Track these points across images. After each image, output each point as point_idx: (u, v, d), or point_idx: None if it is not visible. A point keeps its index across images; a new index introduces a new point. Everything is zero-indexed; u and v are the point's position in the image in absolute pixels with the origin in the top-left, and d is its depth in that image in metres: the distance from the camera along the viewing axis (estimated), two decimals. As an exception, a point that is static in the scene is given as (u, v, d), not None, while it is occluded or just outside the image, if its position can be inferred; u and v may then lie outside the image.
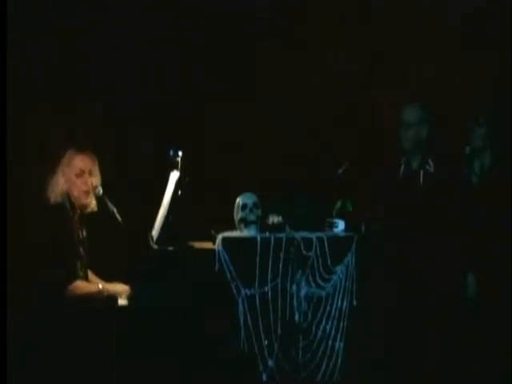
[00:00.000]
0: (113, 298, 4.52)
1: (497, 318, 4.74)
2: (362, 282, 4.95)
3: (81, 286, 4.45)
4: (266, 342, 4.76)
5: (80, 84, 5.60)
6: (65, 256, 4.39)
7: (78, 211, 4.58)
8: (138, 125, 5.73)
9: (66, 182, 4.52)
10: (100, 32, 5.65)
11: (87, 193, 4.56)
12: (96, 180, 4.59)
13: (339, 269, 4.95)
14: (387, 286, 4.84)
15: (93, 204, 4.60)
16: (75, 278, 4.42)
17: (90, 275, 4.67)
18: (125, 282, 4.62)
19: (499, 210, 4.80)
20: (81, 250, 4.55)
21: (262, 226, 4.94)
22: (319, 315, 4.90)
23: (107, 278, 4.68)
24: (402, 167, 4.95)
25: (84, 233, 4.61)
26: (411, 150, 4.88)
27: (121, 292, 4.58)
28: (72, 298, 4.37)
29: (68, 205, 4.52)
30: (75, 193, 4.54)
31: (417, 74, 5.89)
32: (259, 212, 4.98)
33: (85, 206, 4.58)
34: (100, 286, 4.51)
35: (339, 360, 4.92)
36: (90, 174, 4.58)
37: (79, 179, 4.55)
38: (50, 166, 4.58)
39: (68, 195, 4.53)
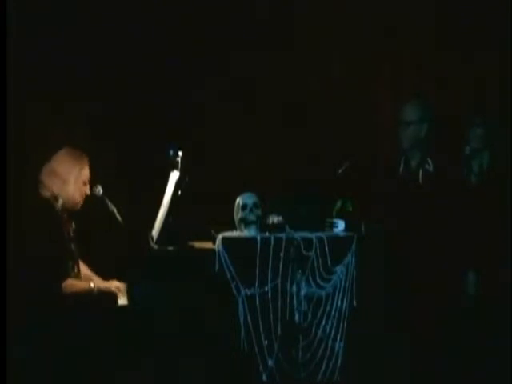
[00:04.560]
0: (112, 297, 4.52)
1: (497, 317, 4.74)
2: (362, 282, 4.95)
3: (73, 284, 4.45)
4: (266, 342, 4.76)
5: (80, 84, 5.61)
6: (55, 255, 4.40)
7: (69, 210, 4.59)
8: (138, 125, 5.73)
9: (76, 189, 4.55)
10: (100, 32, 5.65)
11: (84, 196, 4.64)
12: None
13: (339, 269, 4.95)
14: (387, 286, 4.83)
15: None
16: (66, 276, 4.42)
17: (84, 273, 4.66)
18: (119, 280, 4.62)
19: (498, 210, 4.80)
20: (72, 247, 4.56)
21: (262, 226, 4.94)
22: (319, 315, 4.90)
23: (107, 278, 4.68)
24: (402, 166, 4.94)
25: (74, 231, 4.62)
26: (410, 149, 4.88)
27: (114, 290, 4.58)
28: (66, 297, 4.38)
29: (58, 205, 4.53)
30: (78, 197, 4.57)
31: (416, 73, 5.90)
32: (259, 212, 4.98)
33: (77, 206, 4.62)
34: (92, 285, 4.51)
35: (339, 360, 4.92)
36: (89, 180, 4.67)
37: (85, 186, 4.63)
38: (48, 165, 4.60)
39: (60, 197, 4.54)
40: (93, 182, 4.68)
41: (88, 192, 4.64)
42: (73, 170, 4.57)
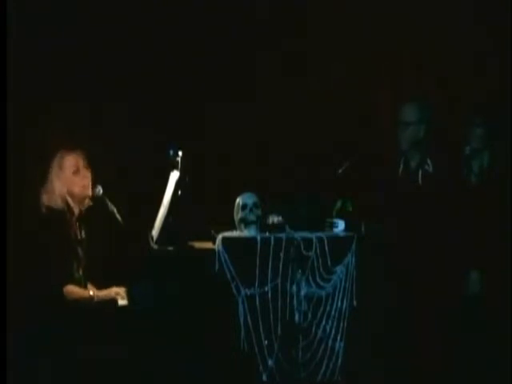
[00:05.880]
0: (112, 303, 4.52)
1: (498, 318, 4.74)
2: (362, 281, 4.95)
3: (73, 290, 4.44)
4: (266, 342, 4.76)
5: (80, 84, 5.60)
6: (60, 259, 4.40)
7: (76, 212, 4.59)
8: (138, 125, 5.73)
9: (64, 184, 4.53)
10: (99, 32, 5.65)
11: (87, 186, 4.60)
12: (90, 173, 4.63)
13: (339, 269, 4.95)
14: (387, 285, 4.84)
15: (89, 197, 4.63)
16: (68, 281, 4.42)
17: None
18: (120, 283, 4.62)
19: (498, 210, 4.80)
20: (79, 251, 4.55)
21: (262, 226, 4.94)
22: (319, 315, 4.90)
23: (107, 278, 4.68)
24: (401, 167, 4.95)
25: (82, 234, 4.61)
26: (409, 150, 4.89)
27: (114, 295, 4.58)
28: (66, 301, 4.39)
29: (66, 207, 4.53)
30: (76, 190, 4.56)
31: (416, 73, 5.90)
32: (259, 212, 4.98)
33: (85, 200, 4.61)
34: (91, 293, 4.51)
35: (339, 360, 4.92)
36: (85, 167, 4.62)
37: (77, 176, 4.57)
38: (47, 169, 4.61)
39: (66, 198, 4.53)
40: (93, 182, 4.68)
41: (85, 181, 4.60)
42: (52, 172, 4.56)
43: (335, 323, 4.92)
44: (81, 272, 4.56)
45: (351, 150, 5.65)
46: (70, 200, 4.55)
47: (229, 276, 4.72)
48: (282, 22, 6.03)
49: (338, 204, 5.13)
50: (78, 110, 5.60)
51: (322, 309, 4.91)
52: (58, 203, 4.50)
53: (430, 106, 4.95)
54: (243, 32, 5.97)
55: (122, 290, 4.60)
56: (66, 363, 4.31)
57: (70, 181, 4.55)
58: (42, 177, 4.61)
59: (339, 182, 5.15)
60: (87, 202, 4.63)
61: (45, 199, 4.51)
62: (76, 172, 4.57)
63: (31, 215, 4.62)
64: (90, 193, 4.61)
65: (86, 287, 4.57)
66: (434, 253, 4.71)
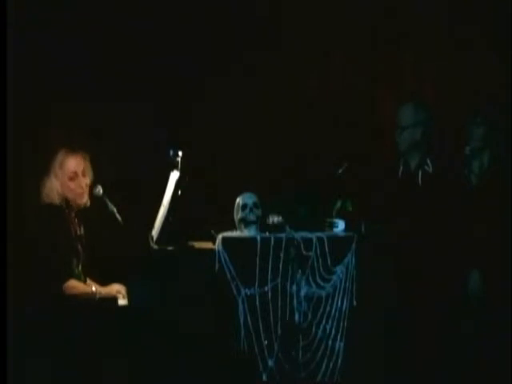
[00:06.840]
0: (113, 301, 4.52)
1: (498, 318, 4.74)
2: (361, 282, 4.95)
3: (75, 285, 4.44)
4: (266, 342, 4.77)
5: (80, 84, 5.60)
6: (60, 254, 4.40)
7: (75, 208, 4.59)
8: (139, 125, 5.73)
9: (61, 185, 4.53)
10: (99, 31, 5.65)
11: (82, 194, 4.59)
12: (89, 179, 4.62)
13: (339, 269, 4.95)
14: (387, 285, 4.84)
15: (87, 201, 4.62)
16: (70, 276, 4.42)
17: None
18: (120, 283, 4.63)
19: (498, 210, 4.79)
20: (78, 247, 4.55)
21: (262, 225, 4.94)
22: (319, 315, 4.90)
23: (107, 278, 4.68)
24: (401, 168, 4.95)
25: (81, 230, 4.62)
26: (408, 152, 4.89)
27: (115, 293, 4.58)
28: (67, 297, 4.38)
29: (64, 204, 4.53)
30: (70, 195, 4.55)
31: (416, 73, 5.90)
32: (259, 212, 4.98)
33: (80, 206, 4.61)
34: (93, 289, 4.50)
35: (339, 360, 4.92)
36: (83, 174, 4.61)
37: (73, 182, 4.56)
38: (47, 166, 4.61)
39: (64, 195, 4.53)
40: (93, 182, 4.68)
41: (79, 190, 4.59)
42: (52, 169, 4.55)
43: (335, 323, 4.92)
44: (80, 269, 4.55)
45: (351, 150, 5.65)
46: (68, 198, 4.56)
47: (229, 276, 4.72)
48: (282, 22, 6.03)
49: (338, 204, 5.13)
50: (78, 110, 5.60)
51: (321, 309, 4.91)
52: (56, 200, 4.51)
53: (427, 106, 4.95)
54: (243, 31, 5.97)
55: (123, 289, 4.60)
56: (65, 363, 4.31)
57: (66, 185, 4.54)
58: (41, 173, 4.61)
59: (339, 181, 5.16)
60: (84, 204, 4.63)
61: (44, 195, 4.52)
62: (73, 178, 4.55)
63: (31, 211, 4.62)
64: (83, 201, 4.59)
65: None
66: (434, 253, 4.71)
